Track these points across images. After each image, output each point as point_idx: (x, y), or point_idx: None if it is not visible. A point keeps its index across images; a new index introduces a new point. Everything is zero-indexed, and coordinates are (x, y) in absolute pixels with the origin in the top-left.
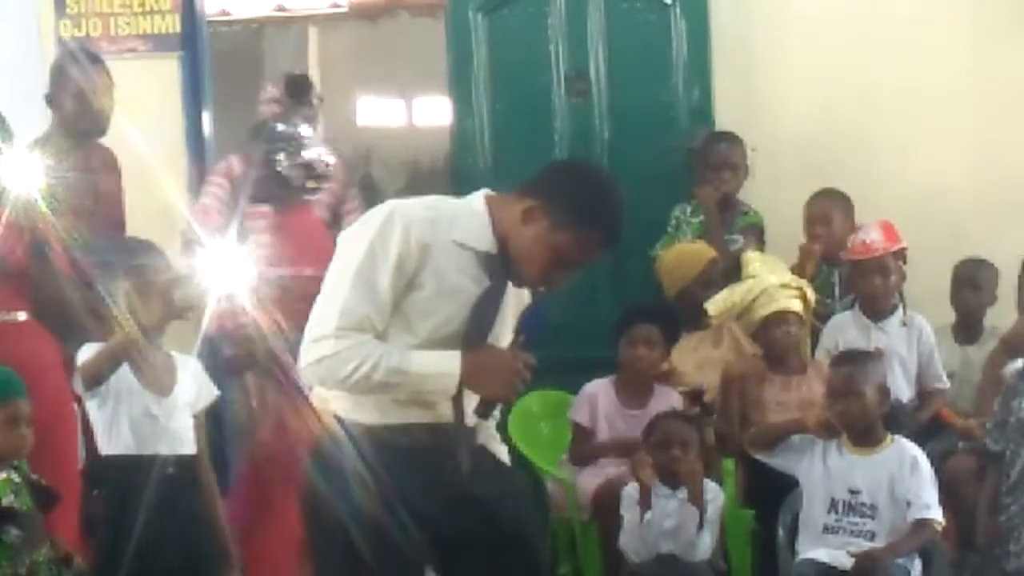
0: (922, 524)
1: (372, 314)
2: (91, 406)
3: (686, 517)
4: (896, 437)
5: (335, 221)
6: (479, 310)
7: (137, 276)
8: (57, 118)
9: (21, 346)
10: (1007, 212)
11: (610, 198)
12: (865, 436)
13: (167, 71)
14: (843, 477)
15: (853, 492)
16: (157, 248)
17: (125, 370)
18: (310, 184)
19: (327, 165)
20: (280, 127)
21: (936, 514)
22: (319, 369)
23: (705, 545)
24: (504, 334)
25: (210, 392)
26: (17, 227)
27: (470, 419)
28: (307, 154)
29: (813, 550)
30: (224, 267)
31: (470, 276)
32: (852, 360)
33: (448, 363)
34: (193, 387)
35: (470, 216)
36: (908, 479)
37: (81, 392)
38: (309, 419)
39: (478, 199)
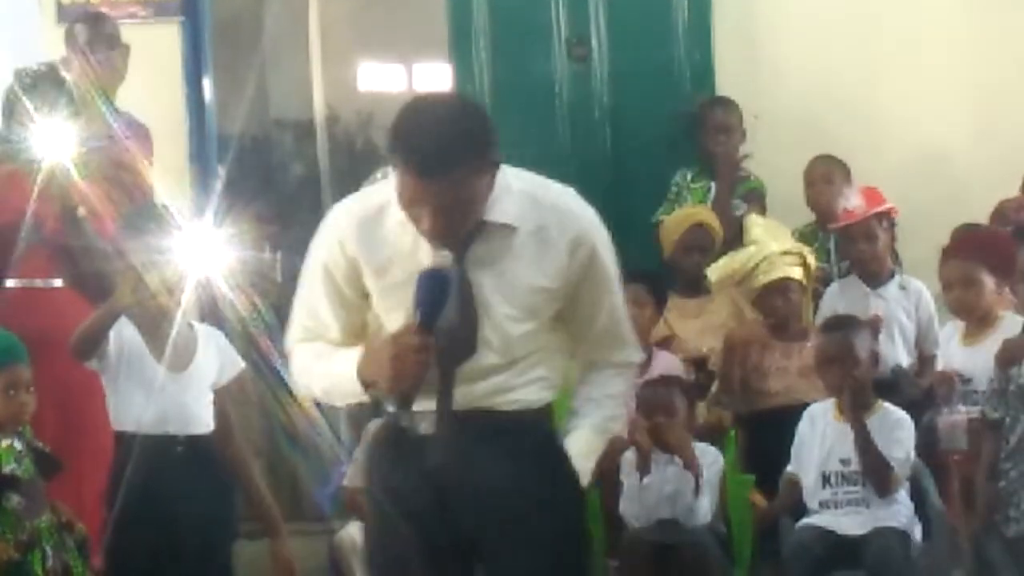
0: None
1: (313, 326)
2: (104, 381)
3: (683, 482)
4: (885, 403)
5: None
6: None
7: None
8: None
9: (56, 313)
10: (1007, 178)
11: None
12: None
13: (167, 37)
14: (836, 448)
15: (844, 462)
16: (153, 227)
17: (138, 344)
18: None
19: None
20: None
21: (899, 467)
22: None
23: (703, 509)
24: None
25: (235, 365)
26: (48, 196)
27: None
28: None
29: (811, 516)
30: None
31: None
32: (840, 326)
33: (352, 358)
34: (216, 361)
35: None
36: (888, 440)
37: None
38: None
39: None
